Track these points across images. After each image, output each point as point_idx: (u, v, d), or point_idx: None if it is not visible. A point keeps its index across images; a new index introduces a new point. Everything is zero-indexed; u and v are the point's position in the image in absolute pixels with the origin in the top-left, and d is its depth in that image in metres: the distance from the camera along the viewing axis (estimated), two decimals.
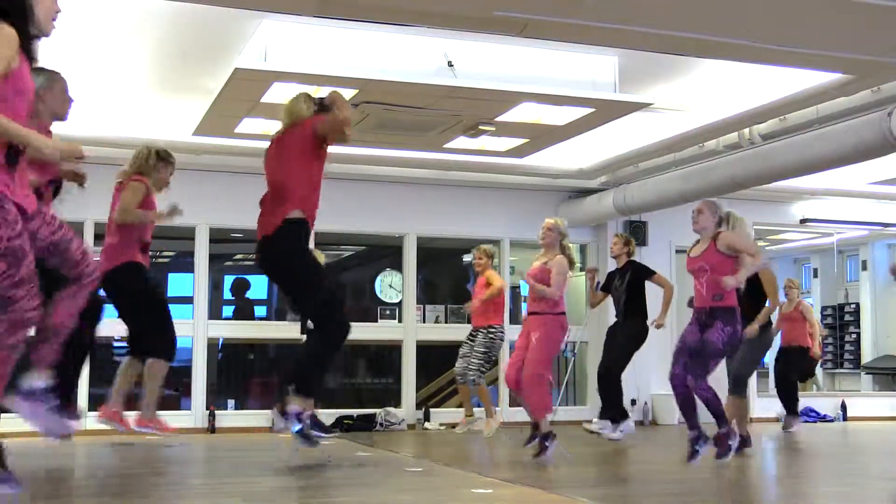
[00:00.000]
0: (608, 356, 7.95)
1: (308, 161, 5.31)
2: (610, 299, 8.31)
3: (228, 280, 12.31)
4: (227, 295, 12.27)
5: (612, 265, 11.30)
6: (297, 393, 5.15)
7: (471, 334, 8.55)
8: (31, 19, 3.54)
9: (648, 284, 7.98)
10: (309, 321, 7.50)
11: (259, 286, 12.80)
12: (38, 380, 3.71)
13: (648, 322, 7.84)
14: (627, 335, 7.89)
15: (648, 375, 10.40)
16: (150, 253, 6.53)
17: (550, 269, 6.24)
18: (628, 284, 8.06)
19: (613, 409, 7.79)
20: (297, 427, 5.12)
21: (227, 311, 12.05)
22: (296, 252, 5.28)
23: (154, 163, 6.33)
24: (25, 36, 3.49)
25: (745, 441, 6.92)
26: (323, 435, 5.39)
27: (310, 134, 5.28)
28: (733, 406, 6.96)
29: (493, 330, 8.28)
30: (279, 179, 5.36)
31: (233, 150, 9.07)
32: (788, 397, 9.78)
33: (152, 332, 6.37)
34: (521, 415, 10.42)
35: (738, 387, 7.06)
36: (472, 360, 8.29)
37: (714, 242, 5.56)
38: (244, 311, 11.81)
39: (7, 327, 3.42)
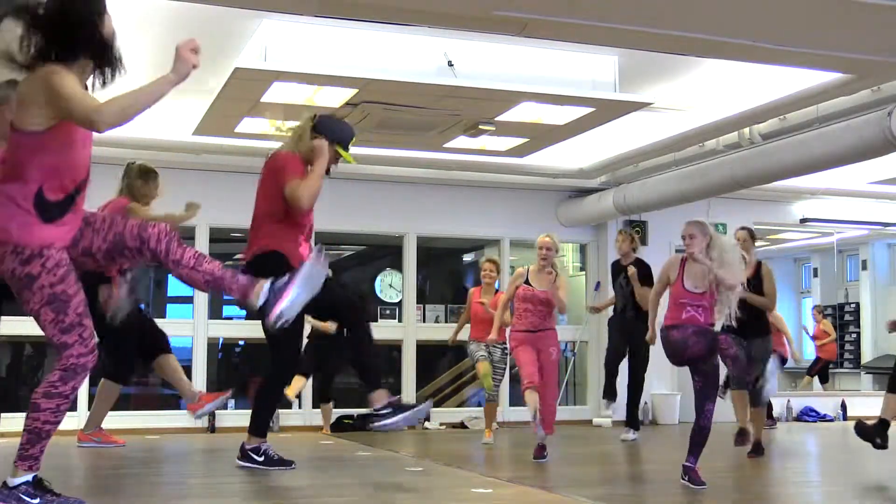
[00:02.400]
0: (637, 364, 8.26)
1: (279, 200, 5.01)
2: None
3: None
4: (227, 294, 12.26)
5: (611, 266, 11.32)
6: (250, 432, 5.26)
7: (486, 351, 7.89)
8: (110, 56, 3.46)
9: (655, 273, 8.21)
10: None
11: None
12: None
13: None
14: (643, 338, 8.10)
15: (648, 375, 10.39)
16: None
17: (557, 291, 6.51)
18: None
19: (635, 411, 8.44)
20: (260, 459, 5.18)
21: (227, 310, 12.05)
22: None
23: (133, 181, 6.39)
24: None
25: (758, 446, 6.92)
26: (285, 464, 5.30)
27: (281, 184, 4.97)
28: (755, 414, 7.09)
29: (507, 346, 7.97)
30: (255, 209, 5.23)
31: (233, 150, 9.07)
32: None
33: (119, 352, 6.42)
34: (520, 415, 10.46)
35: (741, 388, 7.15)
36: (497, 378, 8.01)
37: (712, 285, 5.26)
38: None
39: (60, 375, 3.31)
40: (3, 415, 5.52)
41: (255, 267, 4.88)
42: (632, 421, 8.34)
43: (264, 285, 3.54)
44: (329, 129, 5.10)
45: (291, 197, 4.88)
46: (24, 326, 4.30)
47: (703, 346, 5.11)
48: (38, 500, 3.34)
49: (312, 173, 4.93)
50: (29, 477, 3.35)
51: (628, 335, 8.28)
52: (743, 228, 7.05)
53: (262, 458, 5.17)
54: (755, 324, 6.73)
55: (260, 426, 5.29)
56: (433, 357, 11.51)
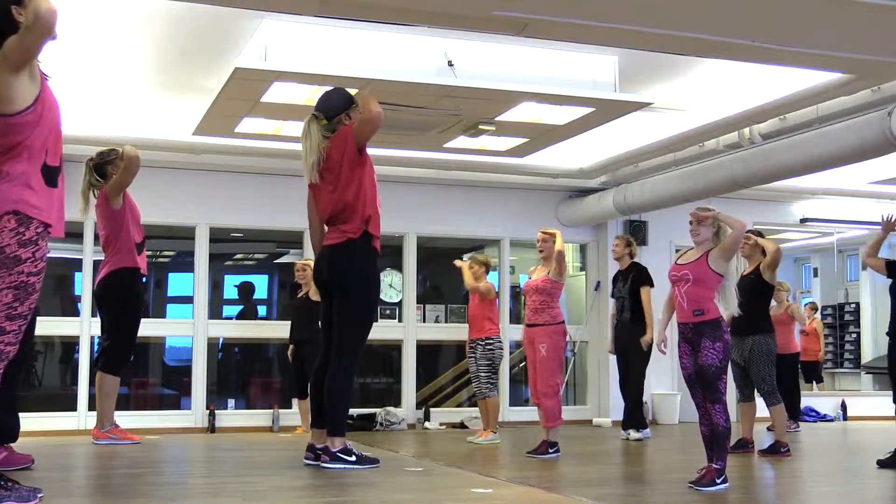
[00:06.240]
0: (627, 374, 8.45)
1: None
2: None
3: (228, 280, 12.30)
4: (228, 295, 12.27)
5: (611, 266, 11.32)
6: (333, 434, 5.27)
7: (470, 348, 8.17)
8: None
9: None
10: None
11: (261, 287, 12.79)
12: None
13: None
14: (637, 346, 8.23)
15: (648, 375, 10.41)
16: (150, 252, 6.60)
17: (552, 278, 6.70)
18: (630, 288, 8.16)
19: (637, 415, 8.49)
20: (353, 459, 5.26)
21: (228, 310, 12.05)
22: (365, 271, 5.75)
23: (88, 176, 6.45)
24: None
25: (747, 444, 7.16)
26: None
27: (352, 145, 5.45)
28: (748, 411, 7.32)
29: (490, 342, 7.99)
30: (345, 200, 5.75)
31: (233, 150, 9.07)
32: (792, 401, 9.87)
33: (117, 345, 6.44)
34: (519, 415, 10.47)
35: (746, 393, 7.31)
36: (481, 376, 8.07)
37: (706, 255, 5.18)
38: (250, 314, 11.80)
39: None
40: None
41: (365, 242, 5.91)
42: (634, 420, 8.39)
43: None
44: (331, 106, 5.46)
45: (364, 116, 5.34)
46: None
47: (690, 365, 5.21)
48: None
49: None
50: None
51: (624, 342, 8.34)
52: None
53: (354, 458, 5.26)
54: (750, 320, 6.76)
55: (342, 426, 5.33)
56: (433, 357, 11.51)
